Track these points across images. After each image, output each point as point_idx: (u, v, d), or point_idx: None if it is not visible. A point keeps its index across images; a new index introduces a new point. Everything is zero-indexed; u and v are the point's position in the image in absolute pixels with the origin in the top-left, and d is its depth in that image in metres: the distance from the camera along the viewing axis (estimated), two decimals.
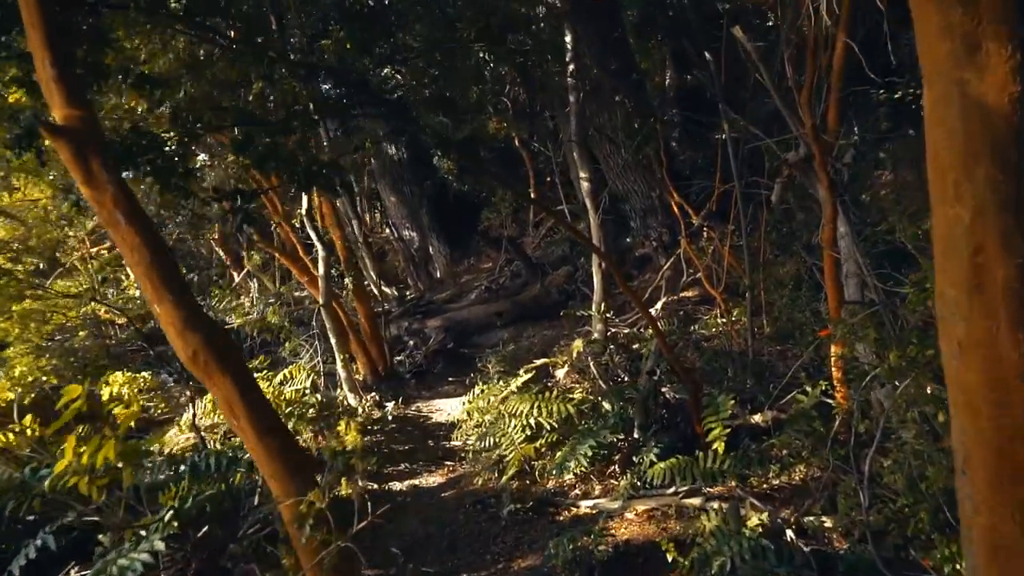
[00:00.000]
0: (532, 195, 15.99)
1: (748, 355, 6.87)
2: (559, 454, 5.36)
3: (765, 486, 5.14)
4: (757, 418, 5.28)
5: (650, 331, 8.70)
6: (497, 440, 6.08)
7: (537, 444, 5.87)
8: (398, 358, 10.59)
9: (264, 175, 4.34)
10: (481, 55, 7.42)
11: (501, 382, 7.61)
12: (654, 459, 5.09)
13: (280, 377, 7.25)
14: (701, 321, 9.05)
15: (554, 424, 5.91)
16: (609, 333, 8.68)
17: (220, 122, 4.26)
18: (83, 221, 13.66)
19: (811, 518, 4.35)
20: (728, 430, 4.90)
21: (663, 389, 6.08)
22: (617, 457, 5.92)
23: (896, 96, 7.49)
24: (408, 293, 15.44)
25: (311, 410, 7.12)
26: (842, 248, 4.66)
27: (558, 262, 13.16)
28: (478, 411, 7.03)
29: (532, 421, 5.94)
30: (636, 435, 5.80)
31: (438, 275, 15.95)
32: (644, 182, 12.73)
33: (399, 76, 6.88)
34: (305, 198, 7.09)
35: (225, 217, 4.08)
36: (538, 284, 12.02)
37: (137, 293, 13.96)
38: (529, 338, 10.57)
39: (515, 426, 5.98)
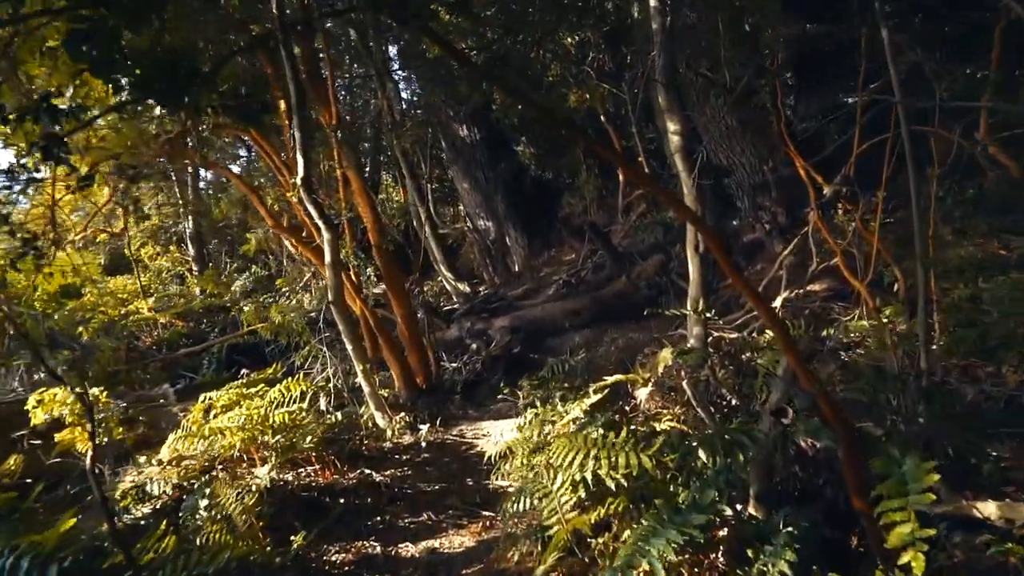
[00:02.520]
0: (621, 177, 13.77)
1: (921, 379, 4.40)
2: (621, 552, 3.17)
3: None
4: (991, 511, 2.87)
5: (766, 337, 6.35)
6: (536, 502, 4.00)
7: (594, 516, 3.75)
8: (453, 364, 8.69)
9: (106, 81, 2.47)
10: None
11: (563, 405, 5.54)
12: (787, 570, 2.83)
13: (274, 393, 5.52)
14: (836, 324, 6.57)
15: (622, 482, 3.75)
16: (709, 339, 6.41)
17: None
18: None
19: None
20: (932, 531, 2.58)
21: (788, 427, 3.76)
22: (722, 534, 3.71)
23: None
24: (482, 289, 13.58)
25: (308, 438, 5.30)
26: None
27: (649, 251, 10.84)
28: (526, 445, 4.96)
29: (588, 475, 3.81)
30: (752, 509, 3.56)
31: (516, 268, 13.99)
32: (752, 151, 10.23)
33: None
34: (301, 162, 5.31)
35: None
36: (623, 277, 9.78)
37: (198, 291, 12.97)
38: (610, 342, 8.40)
39: (561, 484, 3.88)
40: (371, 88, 13.65)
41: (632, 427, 5.22)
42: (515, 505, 4.08)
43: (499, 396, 6.88)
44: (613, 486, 3.77)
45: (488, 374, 8.20)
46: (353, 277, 6.92)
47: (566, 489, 3.86)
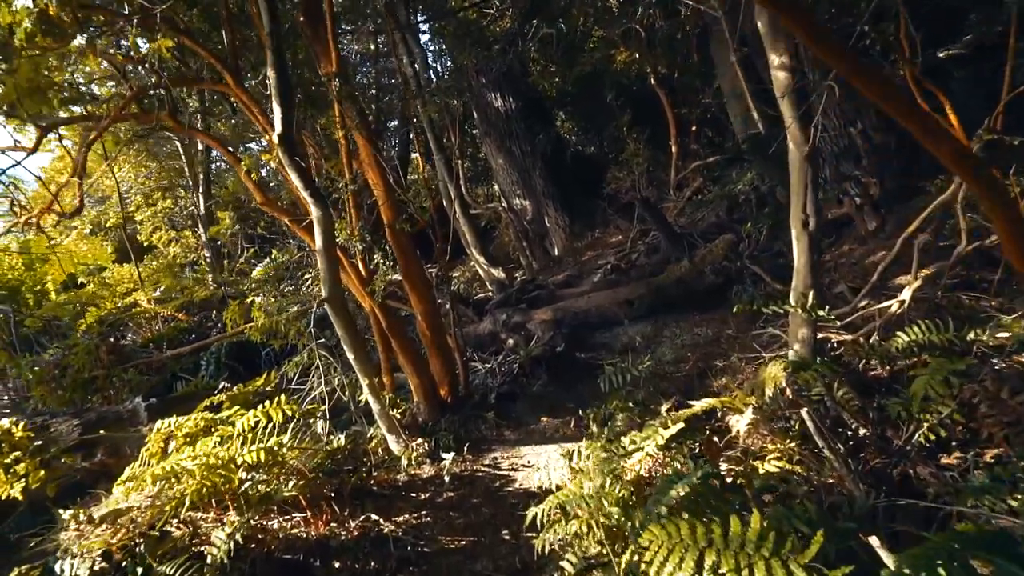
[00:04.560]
0: (673, 148, 12.01)
1: None
2: None
3: None
4: None
5: (899, 341, 4.61)
6: None
7: None
8: (486, 366, 7.19)
9: None
10: None
11: (631, 435, 3.99)
12: None
13: (247, 421, 4.07)
14: (990, 322, 4.84)
15: None
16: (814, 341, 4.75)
17: None
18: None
19: None
20: None
21: None
22: None
23: None
24: (519, 275, 12.03)
25: (290, 483, 3.85)
26: None
27: (711, 231, 9.15)
28: (582, 502, 3.43)
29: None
30: None
31: (556, 252, 12.40)
32: (838, 111, 8.46)
33: None
34: (279, 113, 3.82)
35: None
36: (684, 260, 8.12)
37: (209, 280, 11.67)
38: (674, 340, 6.78)
39: None
40: (396, 57, 12.14)
41: (730, 474, 3.68)
42: None
43: (548, 410, 5.34)
44: None
45: (528, 380, 6.67)
46: (360, 266, 5.45)
47: None
